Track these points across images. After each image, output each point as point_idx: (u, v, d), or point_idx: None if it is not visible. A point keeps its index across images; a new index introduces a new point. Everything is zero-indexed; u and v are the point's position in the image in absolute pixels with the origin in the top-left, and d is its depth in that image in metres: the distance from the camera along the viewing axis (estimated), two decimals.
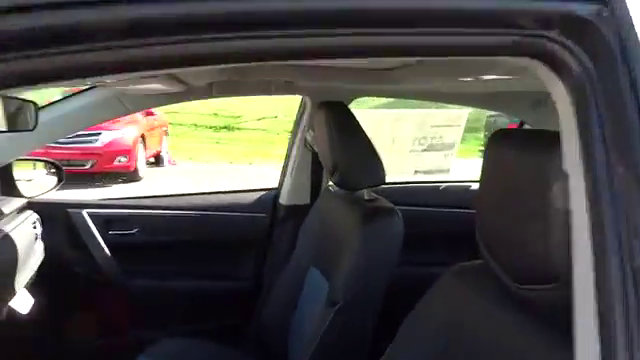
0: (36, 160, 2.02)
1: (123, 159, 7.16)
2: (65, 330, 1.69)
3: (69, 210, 1.72)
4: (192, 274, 1.84)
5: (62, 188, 1.76)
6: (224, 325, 1.83)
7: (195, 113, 13.39)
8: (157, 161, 8.91)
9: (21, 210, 1.59)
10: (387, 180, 1.40)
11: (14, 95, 1.12)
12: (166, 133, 9.69)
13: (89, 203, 1.78)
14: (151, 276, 1.80)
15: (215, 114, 13.51)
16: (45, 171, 1.90)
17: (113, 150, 7.05)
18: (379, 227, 1.28)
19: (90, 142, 6.93)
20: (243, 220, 1.87)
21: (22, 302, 1.45)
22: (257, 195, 1.91)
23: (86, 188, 6.13)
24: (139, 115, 8.00)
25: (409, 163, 2.52)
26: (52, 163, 1.91)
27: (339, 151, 1.37)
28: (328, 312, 1.25)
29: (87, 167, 6.89)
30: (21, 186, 1.71)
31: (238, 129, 12.73)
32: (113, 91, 1.54)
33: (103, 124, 7.09)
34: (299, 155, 1.83)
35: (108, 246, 1.72)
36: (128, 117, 7.66)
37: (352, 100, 1.77)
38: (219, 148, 10.65)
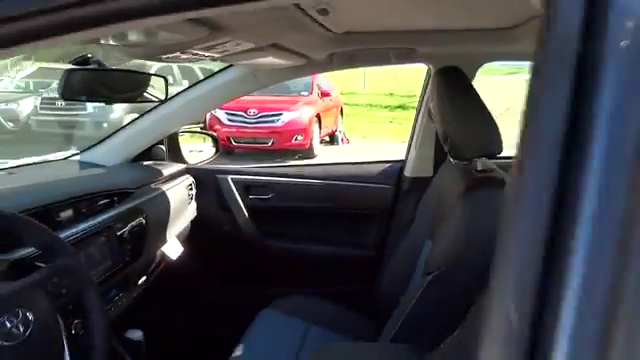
0: (200, 133, 2.34)
1: (300, 137, 7.74)
2: (206, 279, 1.97)
3: (217, 176, 1.97)
4: (320, 239, 1.96)
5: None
6: (347, 290, 1.91)
7: (371, 94, 13.69)
8: (331, 140, 9.40)
9: (180, 174, 1.88)
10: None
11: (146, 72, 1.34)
12: (341, 113, 10.15)
13: (233, 170, 2.01)
14: (283, 239, 1.96)
15: (391, 94, 13.62)
16: (208, 144, 2.20)
17: (291, 129, 7.67)
18: (483, 198, 1.20)
19: (272, 122, 7.68)
20: (369, 191, 1.91)
21: (173, 249, 1.73)
22: (384, 167, 1.92)
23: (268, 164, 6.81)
24: (316, 96, 8.56)
25: None
26: (212, 137, 2.20)
27: (450, 118, 1.31)
28: (423, 281, 1.23)
29: (269, 145, 7.65)
30: (186, 155, 2.02)
31: (413, 108, 12.63)
32: (248, 69, 1.70)
33: (283, 105, 7.83)
34: (423, 127, 1.79)
35: (247, 209, 1.93)
36: (306, 98, 8.28)
37: (479, 67, 1.65)
38: (392, 127, 10.73)
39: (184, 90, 1.83)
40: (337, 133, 9.52)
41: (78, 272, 0.97)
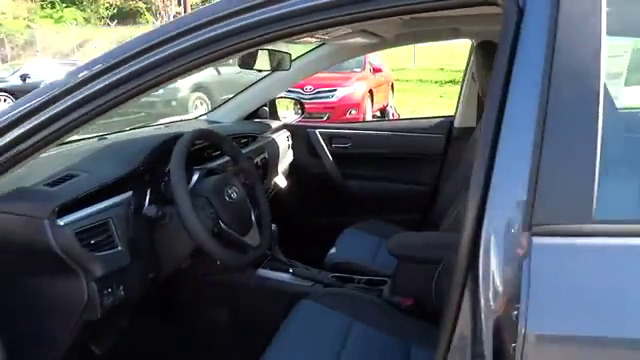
0: (290, 99, 2.95)
1: (354, 112, 8.26)
2: (301, 209, 2.58)
3: (308, 130, 2.57)
4: (387, 178, 2.53)
5: None
6: (409, 218, 2.47)
7: (421, 69, 13.91)
8: (382, 114, 9.86)
9: (280, 128, 2.50)
10: None
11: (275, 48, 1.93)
12: (392, 88, 10.59)
13: (320, 126, 2.61)
14: (358, 178, 2.55)
15: (441, 69, 13.80)
16: (296, 107, 2.81)
17: (345, 104, 8.20)
18: None
19: (327, 97, 8.22)
20: (425, 139, 2.45)
21: (281, 181, 2.36)
22: (437, 121, 2.46)
23: None
24: (368, 73, 9.04)
25: None
26: (299, 102, 2.81)
27: (488, 78, 1.83)
28: None
29: (324, 119, 8.22)
30: (280, 114, 2.64)
31: None
32: (334, 47, 2.27)
33: (338, 82, 8.35)
34: (468, 87, 2.31)
35: (331, 155, 2.53)
36: (359, 75, 8.77)
37: None
38: (441, 102, 11.02)
39: None
40: (388, 108, 9.95)
41: (252, 173, 1.60)
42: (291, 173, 2.52)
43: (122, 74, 0.95)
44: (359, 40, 2.09)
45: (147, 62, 0.93)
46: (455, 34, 2.12)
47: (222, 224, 1.39)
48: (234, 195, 1.47)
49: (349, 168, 2.55)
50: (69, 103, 0.97)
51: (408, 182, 2.51)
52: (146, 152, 1.38)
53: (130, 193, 1.31)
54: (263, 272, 1.84)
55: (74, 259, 1.11)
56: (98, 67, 0.96)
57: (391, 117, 9.90)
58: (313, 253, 2.15)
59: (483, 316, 0.78)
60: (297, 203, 2.62)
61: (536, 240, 0.76)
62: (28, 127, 0.98)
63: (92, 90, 0.95)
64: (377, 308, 1.55)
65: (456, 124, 2.40)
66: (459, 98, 2.41)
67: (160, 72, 0.94)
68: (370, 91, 8.85)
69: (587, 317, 0.73)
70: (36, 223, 1.08)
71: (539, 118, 0.78)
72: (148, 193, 1.43)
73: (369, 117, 8.71)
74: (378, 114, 9.68)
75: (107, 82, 0.95)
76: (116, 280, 1.22)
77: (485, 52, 1.83)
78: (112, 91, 0.95)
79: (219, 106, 2.51)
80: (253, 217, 1.57)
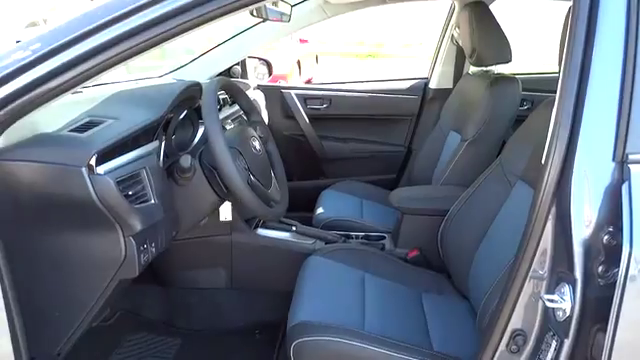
0: (258, 58, 2.83)
1: (282, 82, 8.16)
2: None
3: (282, 91, 2.51)
4: (362, 139, 2.55)
5: None
6: (384, 178, 2.52)
7: (342, 42, 14.00)
8: None
9: (254, 89, 2.41)
10: None
11: None
12: (317, 60, 10.57)
13: (295, 86, 2.55)
14: (334, 139, 2.55)
15: (361, 42, 13.99)
16: (261, 66, 2.71)
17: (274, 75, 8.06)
18: (501, 89, 1.81)
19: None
20: (400, 101, 2.50)
21: None
22: (411, 82, 2.51)
23: None
24: (295, 43, 8.93)
25: None
26: (267, 62, 2.72)
27: (477, 38, 1.89)
28: (460, 145, 1.85)
29: None
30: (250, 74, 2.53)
31: (383, 56, 13.12)
32: (318, 2, 2.21)
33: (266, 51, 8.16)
34: (446, 49, 2.38)
35: (307, 116, 2.49)
36: (286, 45, 8.63)
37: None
38: (363, 76, 11.23)
39: (262, 21, 2.33)
40: (313, 80, 9.95)
41: (265, 127, 1.54)
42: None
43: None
44: None
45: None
46: None
47: (252, 176, 1.33)
48: (257, 147, 1.41)
49: (324, 129, 2.53)
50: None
51: (383, 143, 2.56)
52: (172, 98, 1.27)
53: (157, 142, 1.21)
54: (264, 231, 1.80)
55: (113, 211, 1.01)
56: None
57: None
58: (296, 214, 2.13)
59: (575, 242, 0.82)
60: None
61: (633, 168, 0.82)
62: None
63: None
64: (384, 260, 1.59)
65: (431, 85, 2.47)
66: (434, 60, 2.47)
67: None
68: (298, 62, 8.76)
69: None
70: (72, 172, 0.96)
71: (628, 55, 0.83)
72: (163, 145, 1.33)
73: None
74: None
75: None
76: (149, 236, 1.13)
77: (476, 11, 1.89)
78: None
79: (187, 64, 2.35)
80: (272, 172, 1.52)
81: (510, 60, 1.88)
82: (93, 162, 0.97)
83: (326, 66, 11.57)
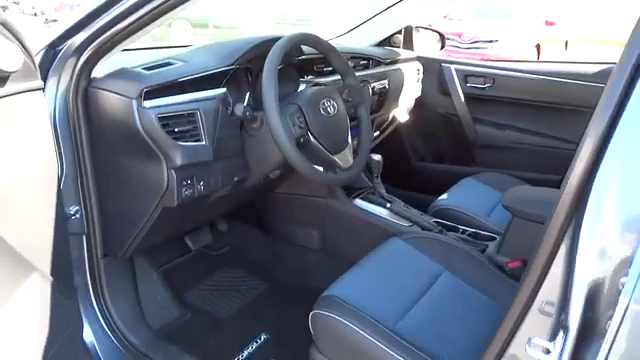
0: (430, 30, 2.69)
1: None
2: (411, 147, 2.39)
3: (442, 65, 2.31)
4: (525, 129, 2.19)
5: None
6: (545, 178, 2.11)
7: (603, 27, 12.06)
8: None
9: (412, 59, 2.28)
10: None
11: None
12: (566, 47, 9.32)
13: (456, 61, 2.33)
14: (492, 125, 2.25)
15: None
16: (436, 38, 2.54)
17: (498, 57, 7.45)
18: None
19: (485, 49, 7.52)
20: (582, 89, 2.03)
21: (401, 114, 2.18)
22: (599, 68, 2.02)
23: None
24: (539, 24, 8.03)
25: None
26: (439, 33, 2.54)
27: None
28: None
29: None
30: (416, 45, 2.40)
31: None
32: None
33: (500, 32, 7.53)
34: None
35: (464, 95, 2.26)
36: (526, 26, 7.83)
37: None
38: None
39: None
40: None
41: (359, 91, 1.47)
42: (415, 108, 2.31)
43: None
44: None
45: None
46: None
47: (311, 136, 1.29)
48: (331, 109, 1.35)
49: (481, 112, 2.26)
50: None
51: (550, 136, 2.15)
52: (245, 49, 1.32)
53: (224, 90, 1.27)
54: (359, 202, 1.74)
55: (156, 143, 1.12)
56: None
57: None
58: (420, 197, 1.99)
59: (576, 279, 0.67)
60: (415, 141, 2.43)
61: None
62: None
63: None
64: (474, 262, 1.40)
65: None
66: None
67: None
68: (537, 47, 7.88)
69: None
70: (125, 102, 1.10)
71: None
72: (247, 95, 1.39)
73: None
74: None
75: None
76: (197, 174, 1.22)
77: None
78: None
79: (346, 32, 2.36)
80: (349, 138, 1.45)
81: None
82: (142, 95, 1.09)
83: (578, 55, 10.13)
